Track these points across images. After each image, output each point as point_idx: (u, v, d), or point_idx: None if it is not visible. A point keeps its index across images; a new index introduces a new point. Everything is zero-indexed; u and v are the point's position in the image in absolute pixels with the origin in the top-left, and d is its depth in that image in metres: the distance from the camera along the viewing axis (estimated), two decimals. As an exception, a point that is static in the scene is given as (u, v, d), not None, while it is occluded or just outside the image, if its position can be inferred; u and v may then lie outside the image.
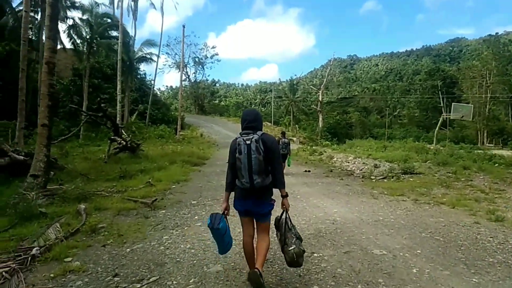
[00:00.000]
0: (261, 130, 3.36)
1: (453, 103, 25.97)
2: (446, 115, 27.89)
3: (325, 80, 49.85)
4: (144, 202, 7.68)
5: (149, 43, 32.65)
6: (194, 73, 56.75)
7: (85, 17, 28.25)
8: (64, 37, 28.13)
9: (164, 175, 12.17)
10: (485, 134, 37.74)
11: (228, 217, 3.44)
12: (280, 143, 12.07)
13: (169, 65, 53.24)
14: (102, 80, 35.02)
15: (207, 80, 60.85)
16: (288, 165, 12.72)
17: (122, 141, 16.34)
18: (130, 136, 20.88)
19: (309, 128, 48.74)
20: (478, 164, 12.95)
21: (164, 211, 7.06)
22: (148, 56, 33.26)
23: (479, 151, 19.23)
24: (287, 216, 3.50)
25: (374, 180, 11.19)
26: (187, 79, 55.92)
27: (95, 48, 30.55)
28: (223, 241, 3.37)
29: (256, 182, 3.15)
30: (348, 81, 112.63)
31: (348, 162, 15.49)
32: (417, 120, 68.64)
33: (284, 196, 3.40)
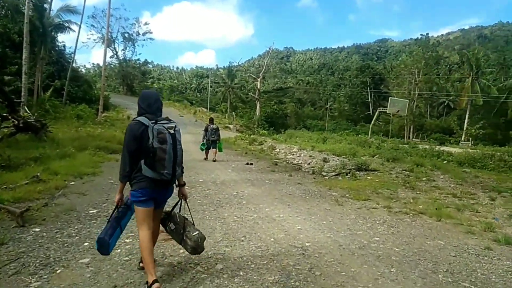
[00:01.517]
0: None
1: (390, 98, 25.99)
2: (382, 109, 27.87)
3: (263, 68, 48.21)
4: (11, 211, 4.91)
5: (68, 9, 27.54)
6: (123, 50, 51.14)
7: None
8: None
9: (66, 165, 9.17)
10: (411, 129, 39.43)
11: None
12: (209, 129, 12.01)
13: (95, 40, 47.19)
14: (9, 49, 29.12)
15: (138, 59, 55.53)
16: (220, 151, 12.48)
17: (17, 120, 12.66)
18: (35, 114, 16.89)
19: (246, 116, 46.90)
20: (431, 162, 12.00)
21: (38, 229, 4.43)
22: (66, 25, 28.13)
23: (424, 146, 18.84)
24: (186, 204, 3.35)
25: (327, 178, 9.48)
26: (115, 56, 50.23)
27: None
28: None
29: (177, 173, 3.01)
30: (284, 73, 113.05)
31: (293, 155, 13.74)
32: (346, 113, 70.80)
33: (182, 185, 3.25)
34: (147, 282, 2.80)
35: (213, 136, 11.99)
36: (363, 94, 70.50)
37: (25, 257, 3.56)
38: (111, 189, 6.94)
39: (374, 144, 17.55)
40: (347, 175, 9.67)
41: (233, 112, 47.38)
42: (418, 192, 7.95)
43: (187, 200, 3.34)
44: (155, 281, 2.75)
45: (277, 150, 15.64)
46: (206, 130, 12.16)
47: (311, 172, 10.39)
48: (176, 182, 3.15)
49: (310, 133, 30.61)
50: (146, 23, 53.16)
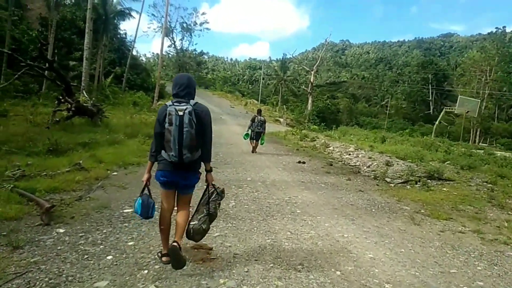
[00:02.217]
0: (194, 98, 3.03)
1: (459, 96, 23.27)
2: (449, 108, 25.15)
3: (318, 60, 46.29)
4: (40, 204, 4.38)
5: (129, -4, 28.13)
6: (180, 39, 51.92)
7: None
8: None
9: (112, 153, 8.82)
10: (477, 132, 35.41)
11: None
12: (256, 120, 11.70)
13: (154, 29, 48.26)
14: (76, 36, 30.48)
15: (195, 49, 56.15)
16: (261, 144, 12.17)
17: (70, 103, 12.71)
18: (93, 99, 17.15)
19: (297, 110, 45.50)
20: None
21: (62, 231, 3.82)
22: (127, 11, 28.74)
23: (501, 153, 16.46)
24: (210, 189, 3.23)
25: (393, 185, 8.16)
26: (173, 45, 51.15)
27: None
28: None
29: (185, 157, 2.88)
30: (338, 66, 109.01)
31: (349, 154, 12.44)
32: (404, 111, 66.52)
33: (209, 170, 3.15)
34: (160, 252, 3.21)
35: (258, 128, 11.66)
36: (424, 92, 65.78)
37: (35, 270, 2.90)
38: (152, 183, 6.30)
39: (442, 148, 15.59)
40: (416, 183, 8.27)
41: (284, 105, 46.22)
42: (510, 213, 6.43)
43: (210, 185, 3.24)
44: (166, 254, 3.09)
45: (331, 148, 14.38)
46: (253, 120, 11.79)
47: (372, 177, 9.10)
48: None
49: (365, 131, 28.61)
50: (203, 13, 53.12)
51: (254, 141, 11.84)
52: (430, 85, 62.88)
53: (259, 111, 12.43)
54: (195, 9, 51.14)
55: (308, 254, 3.66)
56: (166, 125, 2.85)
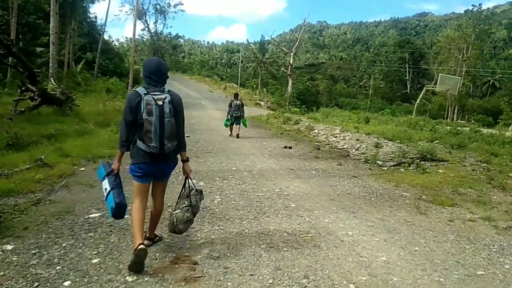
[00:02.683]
0: (165, 84, 2.88)
1: (440, 74, 23.14)
2: (431, 86, 25.05)
3: (297, 42, 45.35)
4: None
5: (97, -24, 26.19)
6: (154, 23, 49.60)
7: None
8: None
9: (81, 145, 7.95)
10: (455, 110, 35.70)
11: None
12: (233, 105, 11.51)
13: (126, 12, 45.78)
14: (41, 20, 28.36)
15: (170, 33, 53.96)
16: (245, 126, 12.10)
17: (33, 92, 11.60)
18: (61, 86, 15.90)
19: (277, 92, 44.73)
20: (506, 150, 9.90)
21: (10, 248, 3.10)
22: (95, -8, 26.88)
23: (486, 130, 16.28)
24: (188, 181, 3.13)
25: (385, 169, 7.70)
26: (147, 29, 48.81)
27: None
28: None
29: (167, 147, 2.77)
30: (316, 48, 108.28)
31: (336, 137, 11.94)
32: (382, 91, 66.89)
33: (185, 160, 3.09)
34: (135, 250, 2.68)
35: (236, 112, 11.47)
36: (401, 71, 66.12)
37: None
38: (126, 179, 5.56)
39: (427, 127, 15.34)
40: (410, 166, 7.84)
41: (264, 89, 45.38)
42: (513, 194, 6.06)
43: (189, 176, 3.15)
44: (140, 244, 2.68)
45: (316, 131, 13.86)
46: (230, 105, 11.65)
47: (363, 160, 8.61)
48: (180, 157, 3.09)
49: (348, 112, 28.28)
50: (178, -6, 50.56)
51: (235, 125, 11.62)
52: (407, 64, 63.18)
53: (236, 95, 12.29)
54: (169, -10, 48.48)
55: (312, 262, 3.07)
56: (144, 115, 2.69)
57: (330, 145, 10.78)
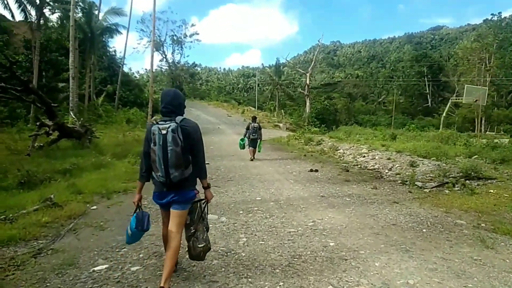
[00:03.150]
0: (182, 114, 2.85)
1: (466, 85, 22.02)
2: (456, 99, 23.88)
3: (312, 62, 45.12)
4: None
5: (115, 11, 26.90)
6: (172, 53, 50.71)
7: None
8: (14, 6, 22.36)
9: (96, 179, 7.49)
10: (482, 121, 33.96)
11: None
12: (250, 127, 11.36)
13: (144, 45, 47.11)
14: (63, 57, 29.27)
15: (187, 62, 55.01)
16: (259, 151, 11.68)
17: (49, 127, 11.44)
18: (81, 119, 15.87)
19: (296, 113, 44.15)
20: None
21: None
22: (114, 27, 27.52)
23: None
24: (206, 206, 3.04)
25: (427, 191, 6.84)
26: (164, 59, 49.89)
27: (48, 15, 24.92)
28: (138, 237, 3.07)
29: (173, 176, 2.71)
30: (331, 67, 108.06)
31: (364, 157, 11.13)
32: (402, 106, 65.30)
33: (206, 187, 2.97)
34: None
35: (253, 134, 11.33)
36: (420, 85, 64.57)
37: None
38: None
39: (460, 141, 14.26)
40: (454, 186, 6.96)
41: (282, 110, 44.97)
42: None
43: (209, 203, 3.05)
44: None
45: (341, 151, 13.08)
46: (247, 128, 11.55)
47: (399, 182, 7.77)
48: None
49: (370, 129, 27.25)
50: (193, 25, 51.84)
51: (251, 148, 11.49)
52: (426, 78, 61.70)
53: (254, 118, 12.16)
54: (184, 21, 49.67)
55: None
56: (152, 144, 2.72)
57: (359, 166, 9.97)
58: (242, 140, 11.65)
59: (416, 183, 7.44)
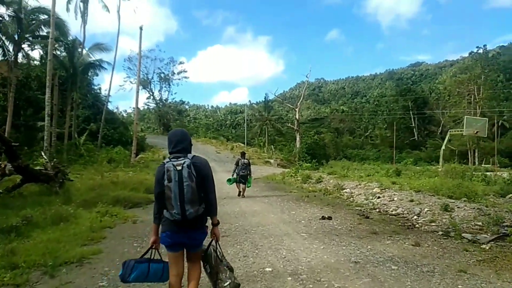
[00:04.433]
0: (190, 152, 2.87)
1: (465, 117, 21.10)
2: (454, 131, 22.92)
3: (301, 96, 44.48)
4: None
5: (98, 47, 25.65)
6: (159, 90, 49.60)
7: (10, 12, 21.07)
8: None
9: (48, 240, 5.56)
10: (475, 154, 32.98)
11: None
12: (240, 164, 11.15)
13: (131, 82, 46.00)
14: (44, 94, 27.61)
15: (174, 99, 53.91)
16: (248, 186, 11.40)
17: (5, 169, 9.53)
18: (53, 160, 13.92)
19: (286, 149, 42.81)
20: None
21: None
22: (97, 63, 26.16)
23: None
24: (218, 246, 2.94)
25: (486, 247, 5.14)
26: (152, 97, 48.66)
27: (27, 51, 23.50)
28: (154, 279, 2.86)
29: (188, 212, 2.65)
30: (317, 103, 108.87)
31: (379, 197, 9.46)
32: (389, 140, 65.02)
33: (215, 224, 2.89)
34: None
35: (243, 171, 11.02)
36: (406, 119, 64.73)
37: None
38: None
39: (476, 176, 12.81)
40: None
41: (272, 146, 43.59)
42: None
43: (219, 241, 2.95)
44: None
45: (348, 190, 11.42)
46: (237, 164, 11.27)
47: (440, 232, 6.06)
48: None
49: (371, 164, 25.84)
50: (181, 62, 51.00)
51: (241, 185, 11.15)
52: (411, 112, 61.98)
53: (243, 154, 11.95)
54: (172, 58, 49.06)
55: None
56: (165, 182, 2.65)
57: (378, 211, 8.25)
58: (229, 180, 11.34)
59: (463, 235, 5.75)
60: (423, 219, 7.06)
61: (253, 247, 5.35)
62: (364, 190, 10.72)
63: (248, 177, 11.17)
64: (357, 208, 8.67)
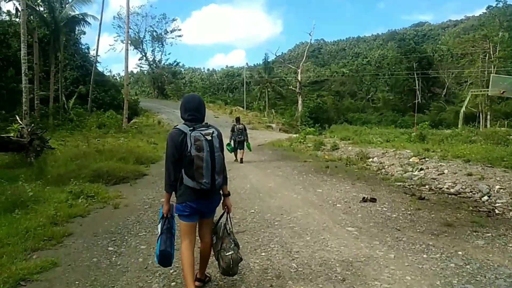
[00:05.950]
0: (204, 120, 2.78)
1: (491, 75, 19.07)
2: (477, 91, 20.89)
3: (304, 57, 41.73)
4: None
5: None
6: (152, 51, 46.36)
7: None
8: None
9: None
10: (487, 117, 31.10)
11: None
12: (235, 130, 10.91)
13: (122, 41, 42.70)
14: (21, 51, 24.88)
15: (168, 60, 50.76)
16: (249, 150, 11.40)
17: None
18: (31, 126, 12.02)
19: (287, 113, 40.72)
20: None
21: None
22: (81, 16, 23.27)
23: None
24: (228, 218, 2.86)
25: None
26: (144, 58, 45.56)
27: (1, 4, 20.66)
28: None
29: (217, 182, 2.59)
30: (317, 66, 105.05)
31: (422, 170, 7.65)
32: (392, 103, 62.88)
33: (227, 195, 2.83)
34: None
35: (239, 136, 10.89)
36: (409, 81, 62.12)
37: None
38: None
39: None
40: None
41: (273, 110, 41.46)
42: None
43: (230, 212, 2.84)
44: None
45: (375, 159, 9.63)
46: (232, 130, 11.00)
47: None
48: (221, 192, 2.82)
49: (378, 127, 24.01)
50: (174, 19, 46.95)
51: (239, 150, 11.00)
52: (415, 73, 59.31)
53: (238, 119, 11.75)
54: (164, 15, 45.28)
55: None
56: (193, 151, 2.48)
57: (429, 188, 6.46)
58: (228, 145, 10.66)
59: None
60: (500, 201, 5.30)
61: (286, 254, 3.57)
62: (397, 160, 8.92)
63: (246, 142, 11.04)
64: (398, 184, 6.91)
